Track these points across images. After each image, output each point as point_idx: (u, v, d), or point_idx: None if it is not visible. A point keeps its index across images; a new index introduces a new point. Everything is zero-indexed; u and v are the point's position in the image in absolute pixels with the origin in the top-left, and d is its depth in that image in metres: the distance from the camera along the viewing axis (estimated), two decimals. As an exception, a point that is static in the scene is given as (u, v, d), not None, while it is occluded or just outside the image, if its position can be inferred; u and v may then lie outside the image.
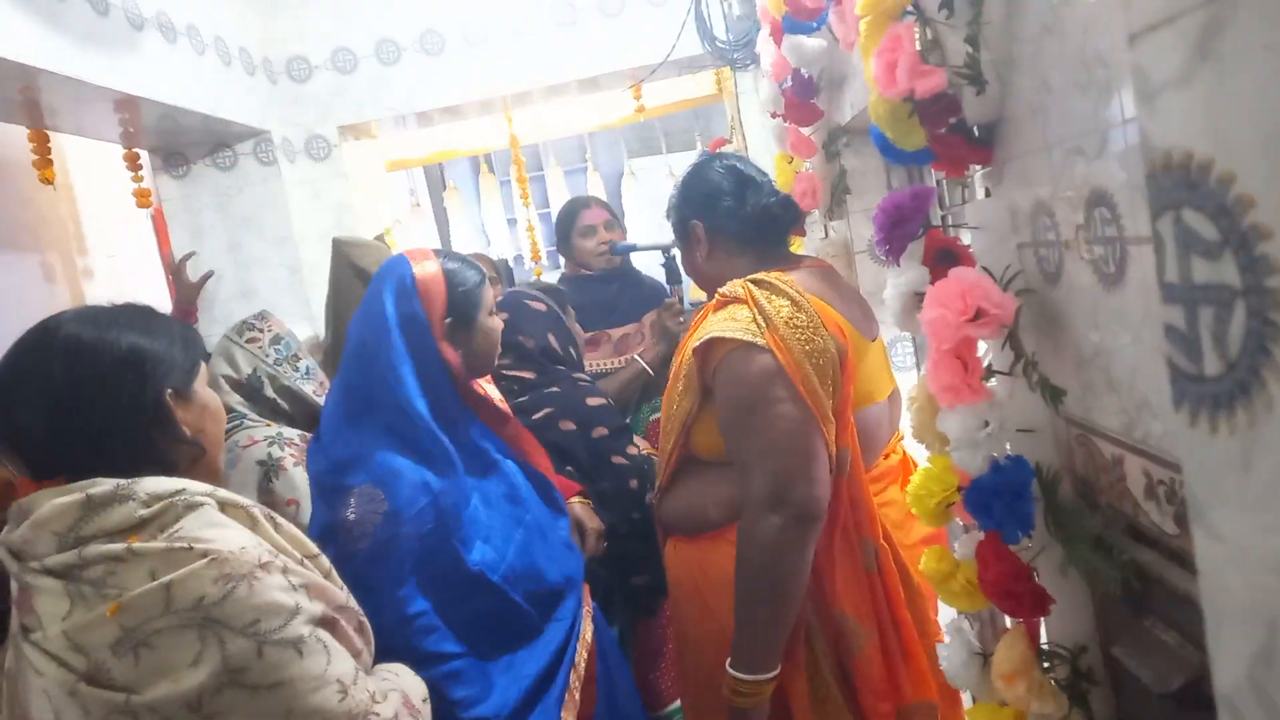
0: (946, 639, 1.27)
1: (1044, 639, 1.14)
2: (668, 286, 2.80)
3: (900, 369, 2.26)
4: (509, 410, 1.83)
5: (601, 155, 6.13)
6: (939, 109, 1.06)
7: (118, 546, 0.97)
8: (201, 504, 1.03)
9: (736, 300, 1.59)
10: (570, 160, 6.11)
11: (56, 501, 0.99)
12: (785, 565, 1.47)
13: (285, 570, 1.03)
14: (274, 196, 2.93)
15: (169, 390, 1.08)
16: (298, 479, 1.99)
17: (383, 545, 1.38)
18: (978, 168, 1.16)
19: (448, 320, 1.55)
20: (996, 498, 1.04)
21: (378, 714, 1.05)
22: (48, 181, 2.52)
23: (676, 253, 2.69)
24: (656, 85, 3.29)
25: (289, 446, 2.10)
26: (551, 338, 2.29)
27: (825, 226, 2.33)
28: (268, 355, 2.09)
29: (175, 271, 2.81)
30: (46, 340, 1.05)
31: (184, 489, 1.03)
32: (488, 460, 1.59)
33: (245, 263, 2.94)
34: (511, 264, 5.73)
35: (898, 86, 1.04)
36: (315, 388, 2.19)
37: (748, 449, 1.51)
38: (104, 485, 1.00)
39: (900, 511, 1.67)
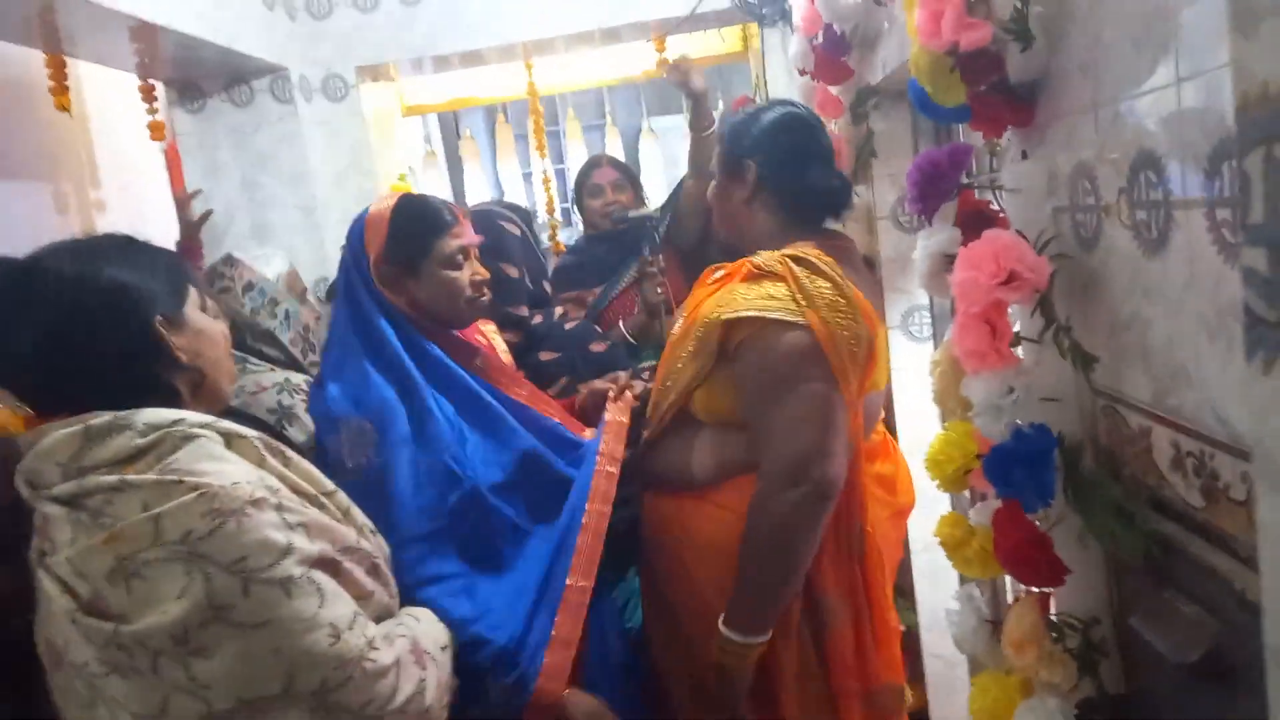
0: (956, 605, 1.26)
1: (1053, 610, 1.13)
2: (646, 252, 2.70)
3: (917, 340, 2.24)
4: (510, 362, 1.81)
5: (620, 112, 6.06)
6: (981, 65, 1.03)
7: (113, 478, 0.97)
8: (198, 436, 1.02)
9: (773, 276, 1.53)
10: (589, 116, 6.04)
11: (57, 434, 1.00)
12: (797, 539, 1.46)
13: (280, 508, 1.01)
14: (290, 135, 2.89)
15: (157, 318, 1.07)
16: (310, 424, 1.98)
17: (377, 473, 1.39)
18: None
19: (384, 265, 1.54)
20: (1017, 465, 1.03)
21: (374, 660, 1.03)
22: (64, 109, 2.48)
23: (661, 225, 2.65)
24: (680, 40, 3.23)
25: (298, 393, 2.09)
26: (525, 269, 2.21)
27: (848, 190, 2.29)
28: (243, 305, 2.03)
29: (179, 207, 2.78)
30: (28, 278, 1.04)
31: (182, 419, 1.03)
32: (459, 385, 1.57)
33: (260, 201, 2.91)
34: (524, 218, 5.68)
35: (941, 38, 1.01)
36: (293, 336, 2.16)
37: (773, 422, 1.49)
38: (102, 417, 1.00)
39: (877, 489, 1.70)
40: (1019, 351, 1.10)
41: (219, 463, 1.01)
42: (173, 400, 1.06)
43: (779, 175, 1.65)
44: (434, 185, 5.11)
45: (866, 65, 1.92)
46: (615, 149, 5.77)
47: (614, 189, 2.84)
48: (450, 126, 5.86)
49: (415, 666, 1.11)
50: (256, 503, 0.99)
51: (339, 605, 1.03)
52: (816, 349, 1.46)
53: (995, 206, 1.22)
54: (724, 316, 1.53)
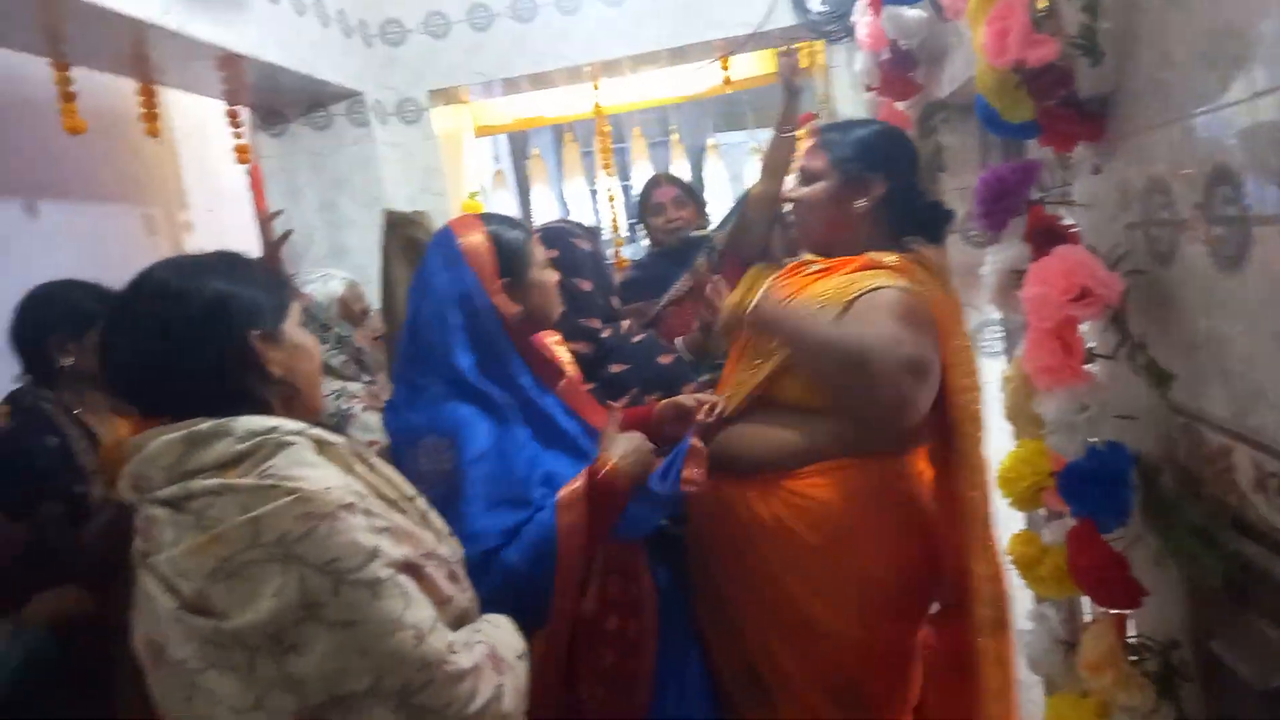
0: (1029, 625, 1.24)
1: (1131, 631, 1.11)
2: (698, 265, 2.73)
3: (987, 355, 2.21)
4: (576, 373, 1.84)
5: (686, 129, 6.09)
6: (1050, 80, 1.03)
7: (215, 481, 1.02)
8: (292, 443, 1.07)
9: (892, 269, 1.64)
10: (653, 133, 6.07)
11: (162, 440, 1.05)
12: (858, 375, 1.51)
13: (368, 513, 1.05)
14: (365, 158, 2.99)
15: (256, 333, 1.11)
16: (371, 421, 2.05)
17: (452, 491, 1.42)
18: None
19: (503, 280, 1.59)
20: (1092, 484, 1.01)
21: (454, 663, 1.05)
22: (154, 135, 2.61)
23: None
24: (745, 58, 3.25)
25: (353, 399, 2.17)
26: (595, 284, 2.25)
27: (915, 204, 2.27)
28: None
29: (261, 228, 2.89)
30: (139, 288, 1.11)
31: (276, 427, 1.07)
32: (542, 414, 1.61)
33: (337, 223, 3.01)
34: (589, 236, 5.73)
35: (1008, 55, 1.01)
36: (345, 359, 2.24)
37: (882, 341, 1.53)
38: (204, 424, 1.05)
39: None
40: (1093, 368, 1.08)
41: (312, 468, 1.05)
42: (266, 410, 1.10)
43: (900, 192, 1.75)
44: (502, 204, 5.20)
45: (933, 80, 1.91)
46: (680, 166, 5.80)
47: (675, 206, 2.89)
48: (519, 146, 5.95)
49: (493, 672, 1.12)
50: (347, 507, 1.02)
51: (422, 609, 1.05)
52: (932, 320, 1.58)
53: (1066, 221, 1.21)
54: (850, 295, 1.61)
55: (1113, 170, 1.06)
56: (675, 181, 3.00)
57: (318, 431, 1.11)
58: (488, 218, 1.68)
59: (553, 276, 1.68)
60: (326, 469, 1.07)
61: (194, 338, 1.08)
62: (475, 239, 1.60)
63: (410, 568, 1.07)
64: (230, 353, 1.09)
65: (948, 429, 1.66)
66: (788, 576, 1.62)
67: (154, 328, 1.08)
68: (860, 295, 1.61)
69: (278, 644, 0.98)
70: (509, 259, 1.60)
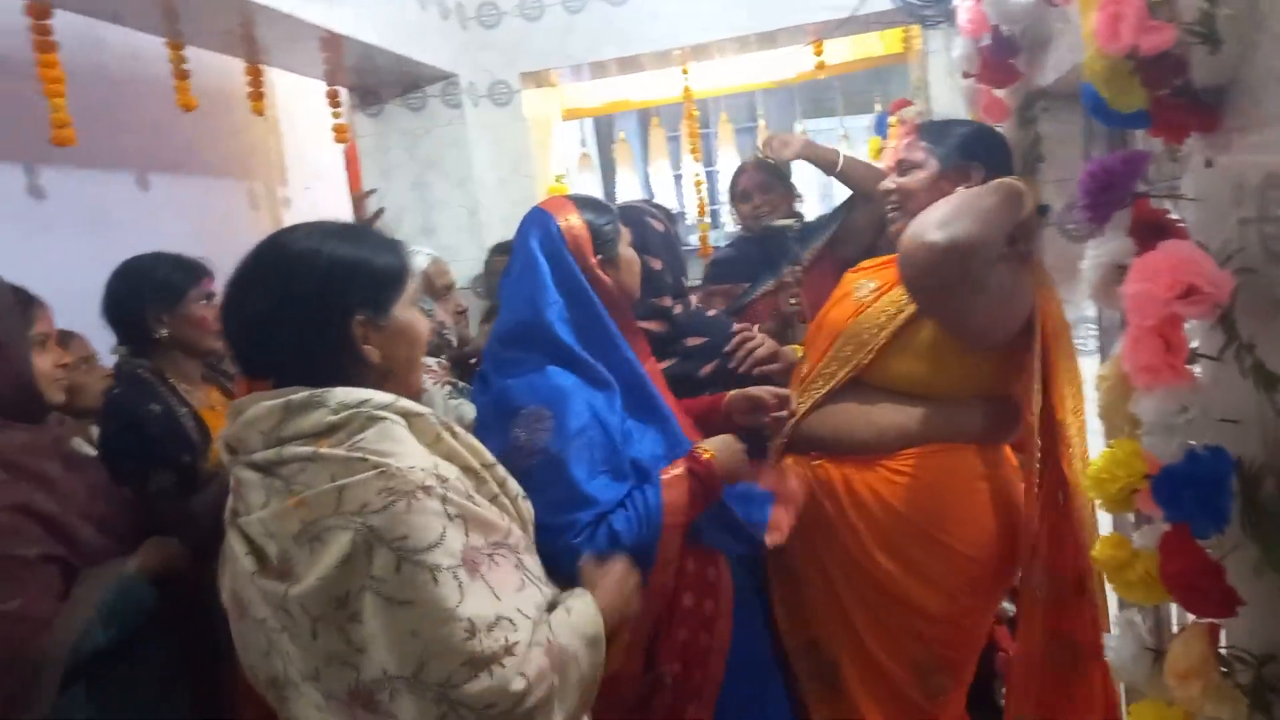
0: (1115, 631, 1.21)
1: (1223, 642, 1.07)
2: (787, 264, 2.72)
3: (1083, 353, 2.14)
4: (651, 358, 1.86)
5: (773, 114, 6.02)
6: (1163, 69, 0.99)
7: (308, 449, 1.06)
8: (383, 418, 1.10)
9: None
10: (741, 119, 6.03)
11: (262, 405, 1.09)
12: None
13: (445, 499, 1.07)
14: (457, 139, 3.05)
15: (358, 318, 1.13)
16: (437, 396, 2.11)
17: (553, 459, 1.45)
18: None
19: (598, 258, 1.63)
20: (1189, 488, 0.98)
21: (506, 666, 1.03)
22: (259, 114, 2.71)
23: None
24: (837, 42, 3.20)
25: (427, 373, 2.23)
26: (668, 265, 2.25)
27: (1010, 196, 2.21)
28: None
29: (355, 206, 2.98)
30: (264, 248, 1.16)
31: (368, 399, 1.10)
32: (641, 384, 1.65)
33: (428, 202, 3.08)
34: (673, 221, 5.74)
35: (1120, 42, 0.97)
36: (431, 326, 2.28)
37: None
38: (301, 393, 1.09)
39: None
40: (1195, 369, 1.04)
41: (399, 444, 1.08)
42: (362, 384, 1.13)
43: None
44: (587, 187, 5.23)
45: (1035, 67, 1.86)
46: (768, 152, 5.73)
47: (762, 192, 2.86)
48: (605, 129, 5.98)
49: (551, 672, 1.08)
50: (426, 489, 1.05)
51: (482, 604, 1.04)
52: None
53: (1173, 216, 1.16)
54: None
55: (1227, 163, 1.02)
56: (764, 167, 2.98)
57: (406, 404, 1.14)
58: (575, 199, 1.71)
59: (634, 255, 1.72)
60: (413, 447, 1.10)
61: (299, 308, 1.11)
62: (571, 218, 1.64)
63: (477, 559, 1.07)
64: (331, 332, 1.12)
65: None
66: (883, 552, 1.71)
67: (264, 289, 1.12)
68: None
69: (341, 609, 1.01)
70: (601, 237, 1.65)
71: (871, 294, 1.86)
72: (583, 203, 1.69)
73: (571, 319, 1.58)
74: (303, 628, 1.03)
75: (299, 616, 1.02)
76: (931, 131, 1.88)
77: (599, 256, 1.63)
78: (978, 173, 1.77)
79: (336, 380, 1.11)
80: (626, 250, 1.69)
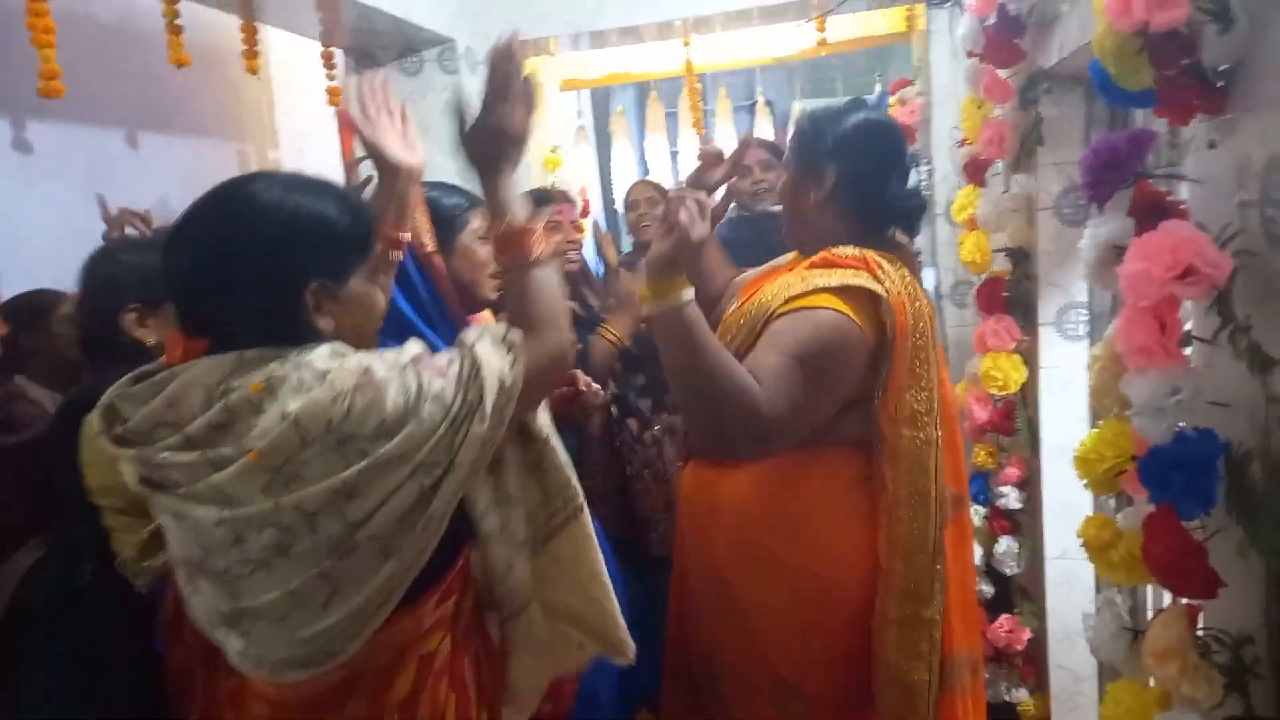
0: (1095, 610, 1.22)
1: (1200, 623, 1.08)
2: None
3: (1070, 338, 2.15)
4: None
5: (771, 92, 5.98)
6: (1174, 47, 0.98)
7: (251, 394, 0.98)
8: (330, 342, 1.04)
9: (848, 265, 1.47)
10: (739, 96, 5.99)
11: (209, 360, 1.01)
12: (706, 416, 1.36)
13: (386, 361, 1.02)
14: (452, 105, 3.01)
15: (313, 284, 1.05)
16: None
17: None
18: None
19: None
20: (1177, 470, 0.98)
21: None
22: (253, 72, 2.67)
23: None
24: (839, 20, 3.17)
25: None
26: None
27: (1008, 179, 2.21)
28: None
29: (347, 171, 2.95)
30: (225, 190, 1.07)
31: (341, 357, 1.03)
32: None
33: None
34: (669, 197, 5.69)
35: (1131, 17, 0.96)
36: None
37: (793, 367, 1.37)
38: (253, 350, 1.01)
39: None
40: (1187, 351, 1.04)
41: (340, 356, 1.02)
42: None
43: (859, 182, 1.56)
44: (582, 160, 5.19)
45: (1040, 48, 1.85)
46: (765, 129, 5.71)
47: (762, 169, 2.83)
48: (602, 102, 5.93)
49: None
50: (366, 371, 0.99)
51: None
52: (859, 342, 1.41)
53: (1174, 197, 1.16)
54: (775, 307, 1.46)
55: (1231, 145, 1.01)
56: (764, 144, 2.95)
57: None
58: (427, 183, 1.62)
59: (481, 253, 1.59)
60: (354, 353, 1.04)
61: (250, 266, 1.03)
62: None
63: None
64: (283, 295, 1.04)
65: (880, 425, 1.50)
66: (735, 562, 1.54)
67: (218, 238, 1.03)
68: (780, 315, 1.45)
69: (343, 496, 0.98)
70: (441, 221, 1.57)
71: (734, 312, 1.64)
72: (433, 185, 1.63)
73: (408, 297, 1.49)
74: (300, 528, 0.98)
75: (294, 521, 0.98)
76: (802, 123, 1.65)
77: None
78: (829, 175, 1.56)
79: (287, 345, 1.03)
80: (470, 240, 1.57)
